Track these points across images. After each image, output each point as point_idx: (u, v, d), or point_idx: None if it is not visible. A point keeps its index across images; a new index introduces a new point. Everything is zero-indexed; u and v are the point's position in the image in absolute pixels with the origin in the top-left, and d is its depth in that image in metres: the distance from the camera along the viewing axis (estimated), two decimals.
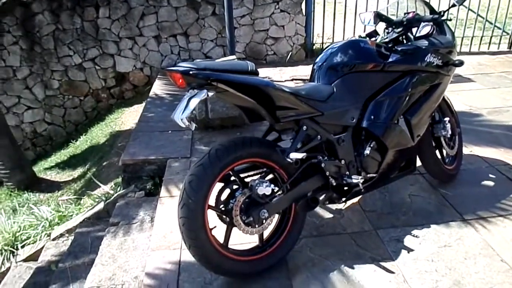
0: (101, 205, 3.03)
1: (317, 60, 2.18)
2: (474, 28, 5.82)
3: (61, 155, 5.44)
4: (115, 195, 3.02)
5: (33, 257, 2.96)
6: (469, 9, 5.68)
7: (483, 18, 5.89)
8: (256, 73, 1.77)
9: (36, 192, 4.50)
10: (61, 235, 2.99)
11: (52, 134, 5.93)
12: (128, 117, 5.17)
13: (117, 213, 2.70)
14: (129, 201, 2.83)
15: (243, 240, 2.07)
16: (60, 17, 5.33)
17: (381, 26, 2.43)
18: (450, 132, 2.60)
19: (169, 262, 2.09)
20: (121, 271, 2.17)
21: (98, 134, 5.28)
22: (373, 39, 2.36)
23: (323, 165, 2.00)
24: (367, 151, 2.11)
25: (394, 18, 2.43)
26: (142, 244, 2.37)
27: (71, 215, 3.26)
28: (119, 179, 3.38)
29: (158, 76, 5.26)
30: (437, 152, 2.61)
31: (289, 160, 1.84)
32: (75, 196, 3.89)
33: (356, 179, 2.06)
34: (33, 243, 3.06)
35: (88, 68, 5.63)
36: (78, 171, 4.71)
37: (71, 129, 5.94)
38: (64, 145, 5.69)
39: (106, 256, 2.29)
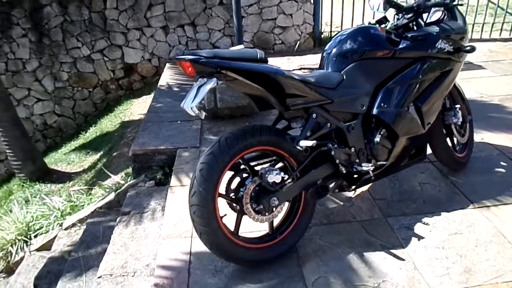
0: (112, 195, 3.06)
1: (326, 47, 2.16)
2: (485, 14, 5.72)
3: (72, 147, 5.49)
4: (126, 185, 3.05)
5: (46, 246, 3.01)
6: None
7: (495, 4, 5.78)
8: (266, 61, 1.77)
9: (48, 183, 4.55)
10: (73, 225, 3.03)
11: (62, 125, 5.98)
12: (137, 108, 5.19)
13: (128, 203, 2.72)
14: (139, 191, 2.86)
15: (253, 228, 2.08)
16: (68, 8, 5.34)
17: (391, 12, 2.40)
18: (461, 119, 2.58)
19: (180, 250, 2.11)
20: (133, 259, 2.20)
21: (107, 125, 5.31)
22: (383, 25, 2.33)
23: (333, 152, 1.99)
24: (377, 139, 2.10)
25: (404, 3, 2.40)
26: (153, 232, 2.40)
27: (83, 205, 3.30)
28: (129, 169, 3.41)
29: (167, 67, 5.26)
30: (448, 139, 2.59)
31: (298, 148, 1.85)
32: (86, 187, 3.93)
33: (366, 167, 2.05)
34: (45, 233, 3.10)
35: (97, 60, 5.65)
36: (89, 162, 4.75)
37: (81, 120, 5.99)
38: (74, 137, 5.73)
39: (118, 245, 2.32)
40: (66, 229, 3.03)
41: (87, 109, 5.95)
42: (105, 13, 5.39)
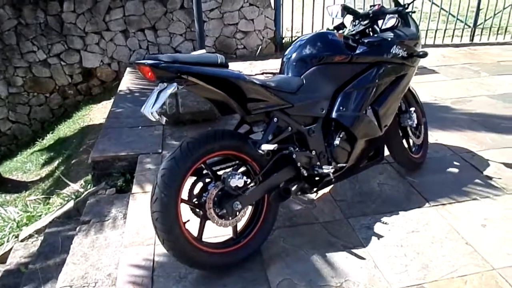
0: (71, 204, 2.97)
1: (286, 52, 2.20)
2: (438, 21, 5.99)
3: (28, 154, 5.27)
4: (85, 193, 2.96)
5: (1, 259, 2.87)
6: (432, 3, 5.85)
7: (446, 11, 6.08)
8: (226, 66, 1.78)
9: (2, 193, 4.35)
10: (30, 236, 2.91)
11: (17, 133, 5.74)
12: (96, 114, 5.06)
13: (88, 211, 2.65)
14: (100, 199, 2.78)
15: (217, 233, 2.07)
16: (22, 11, 5.15)
17: (348, 18, 2.48)
18: (416, 121, 2.68)
19: (143, 258, 2.07)
20: (94, 269, 2.14)
21: (65, 131, 5.15)
22: (340, 31, 2.40)
23: (294, 156, 2.03)
24: (337, 142, 2.15)
25: (360, 11, 2.48)
26: (115, 241, 2.34)
27: (40, 215, 3.18)
28: (89, 177, 3.31)
29: (127, 71, 5.16)
30: (404, 141, 2.69)
31: (260, 151, 1.86)
32: (43, 196, 3.79)
33: (327, 169, 2.10)
34: (0, 245, 2.97)
35: (53, 64, 5.47)
36: (46, 170, 4.58)
37: (37, 127, 5.77)
38: (30, 144, 5.51)
39: (78, 255, 2.25)
40: (22, 240, 2.90)
41: (43, 115, 5.74)
42: (62, 16, 5.23)
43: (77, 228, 2.48)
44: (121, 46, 5.47)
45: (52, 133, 5.39)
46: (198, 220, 1.93)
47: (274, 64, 4.99)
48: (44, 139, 5.38)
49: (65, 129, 5.22)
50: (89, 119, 5.00)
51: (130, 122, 3.63)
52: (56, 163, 4.60)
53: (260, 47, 5.69)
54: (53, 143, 5.12)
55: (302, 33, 5.62)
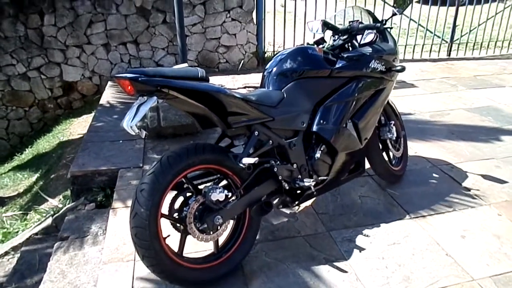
0: (49, 220, 2.90)
1: (267, 66, 2.22)
2: (416, 37, 6.13)
3: (5, 169, 5.14)
4: (64, 208, 2.90)
5: None
6: (410, 19, 5.99)
7: (424, 27, 6.24)
8: (207, 80, 1.78)
9: None
10: (6, 253, 2.83)
11: None
12: (76, 128, 4.98)
13: (67, 227, 2.59)
14: (79, 215, 2.73)
15: (198, 248, 2.05)
16: (2, 24, 5.07)
17: (328, 34, 2.52)
18: (395, 134, 2.73)
19: (123, 274, 2.03)
20: (72, 287, 2.08)
21: (44, 146, 5.05)
22: (320, 46, 2.43)
23: (275, 169, 2.03)
24: (318, 155, 2.17)
25: (340, 26, 2.53)
26: (94, 258, 2.29)
27: (17, 232, 3.09)
28: (68, 192, 3.25)
29: (109, 85, 5.12)
30: (384, 154, 2.73)
31: (241, 165, 1.86)
32: (20, 212, 3.69)
33: (308, 182, 2.11)
34: None
35: (33, 78, 5.38)
36: (24, 185, 4.47)
37: (16, 141, 5.64)
38: (8, 159, 5.38)
39: (55, 272, 2.19)
40: None
41: (22, 129, 5.63)
42: (43, 29, 5.17)
43: (55, 245, 2.42)
44: (102, 59, 5.44)
45: (31, 147, 5.28)
46: (179, 235, 1.91)
47: (256, 78, 5.02)
48: (22, 154, 5.27)
49: (44, 143, 5.12)
50: (69, 133, 4.92)
51: (111, 136, 3.59)
52: (34, 178, 4.49)
53: (242, 61, 5.73)
54: (31, 158, 5.01)
55: (284, 47, 5.68)
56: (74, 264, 2.24)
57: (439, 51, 6.41)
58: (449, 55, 6.41)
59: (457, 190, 2.76)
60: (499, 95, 4.65)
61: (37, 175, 4.49)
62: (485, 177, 2.92)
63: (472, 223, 2.43)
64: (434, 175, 2.96)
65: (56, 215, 2.89)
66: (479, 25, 6.37)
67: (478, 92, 4.73)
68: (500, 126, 3.82)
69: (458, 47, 6.41)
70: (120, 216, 2.49)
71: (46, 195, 3.51)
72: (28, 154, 5.17)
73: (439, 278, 2.01)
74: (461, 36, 6.37)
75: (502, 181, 2.86)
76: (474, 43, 6.50)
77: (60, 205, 3.17)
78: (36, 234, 2.85)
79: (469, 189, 2.77)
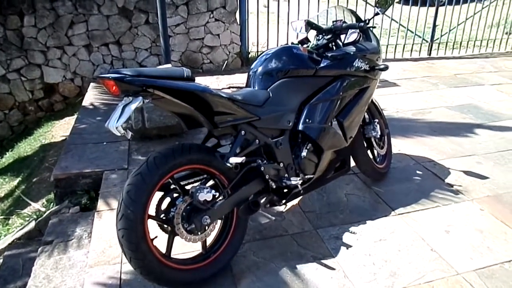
0: (32, 224, 2.85)
1: (252, 66, 2.22)
2: (397, 36, 6.22)
3: None
4: (47, 212, 2.85)
5: None
6: (392, 19, 6.07)
7: (405, 27, 6.33)
8: (192, 79, 1.77)
9: None
10: None
11: None
12: (59, 130, 4.90)
13: (51, 231, 2.55)
14: (63, 218, 2.68)
15: (186, 249, 2.04)
16: None
17: (312, 33, 2.53)
18: (379, 132, 2.76)
19: (109, 277, 2.01)
20: None
21: (26, 149, 4.95)
22: (305, 45, 2.45)
23: (262, 168, 2.03)
24: (304, 153, 2.18)
25: (323, 26, 2.55)
26: (80, 261, 2.26)
27: None
28: (51, 195, 3.20)
29: (91, 86, 5.05)
30: (369, 152, 2.76)
31: (228, 165, 1.86)
32: (2, 217, 3.61)
33: (295, 181, 2.12)
34: None
35: (13, 80, 5.27)
36: (5, 189, 4.38)
37: None
38: None
39: (40, 277, 2.15)
40: None
41: (2, 132, 5.50)
42: (22, 30, 5.07)
43: (39, 249, 2.38)
44: (84, 61, 5.36)
45: (11, 151, 5.17)
46: (166, 236, 1.90)
47: (240, 78, 5.02)
48: (3, 157, 5.15)
49: (26, 146, 5.02)
50: (51, 136, 4.84)
51: (94, 138, 3.54)
52: (16, 182, 4.41)
53: (226, 61, 5.72)
54: (12, 161, 4.91)
55: (267, 47, 5.69)
56: (60, 268, 2.21)
57: (420, 51, 6.52)
58: (430, 54, 6.52)
59: (440, 186, 2.81)
60: (479, 93, 4.75)
61: (19, 179, 4.41)
62: (467, 173, 2.97)
63: (455, 218, 2.47)
64: (418, 172, 3.01)
65: (40, 219, 2.84)
66: (458, 25, 6.50)
67: (458, 91, 4.83)
68: (480, 123, 3.90)
69: (438, 47, 6.52)
70: (105, 219, 2.46)
71: (28, 199, 3.45)
72: (9, 157, 5.06)
73: (425, 273, 2.04)
74: (441, 35, 6.48)
75: (483, 177, 2.93)
76: (454, 43, 6.62)
77: (43, 209, 3.12)
78: (19, 238, 2.80)
79: (452, 185, 2.82)
